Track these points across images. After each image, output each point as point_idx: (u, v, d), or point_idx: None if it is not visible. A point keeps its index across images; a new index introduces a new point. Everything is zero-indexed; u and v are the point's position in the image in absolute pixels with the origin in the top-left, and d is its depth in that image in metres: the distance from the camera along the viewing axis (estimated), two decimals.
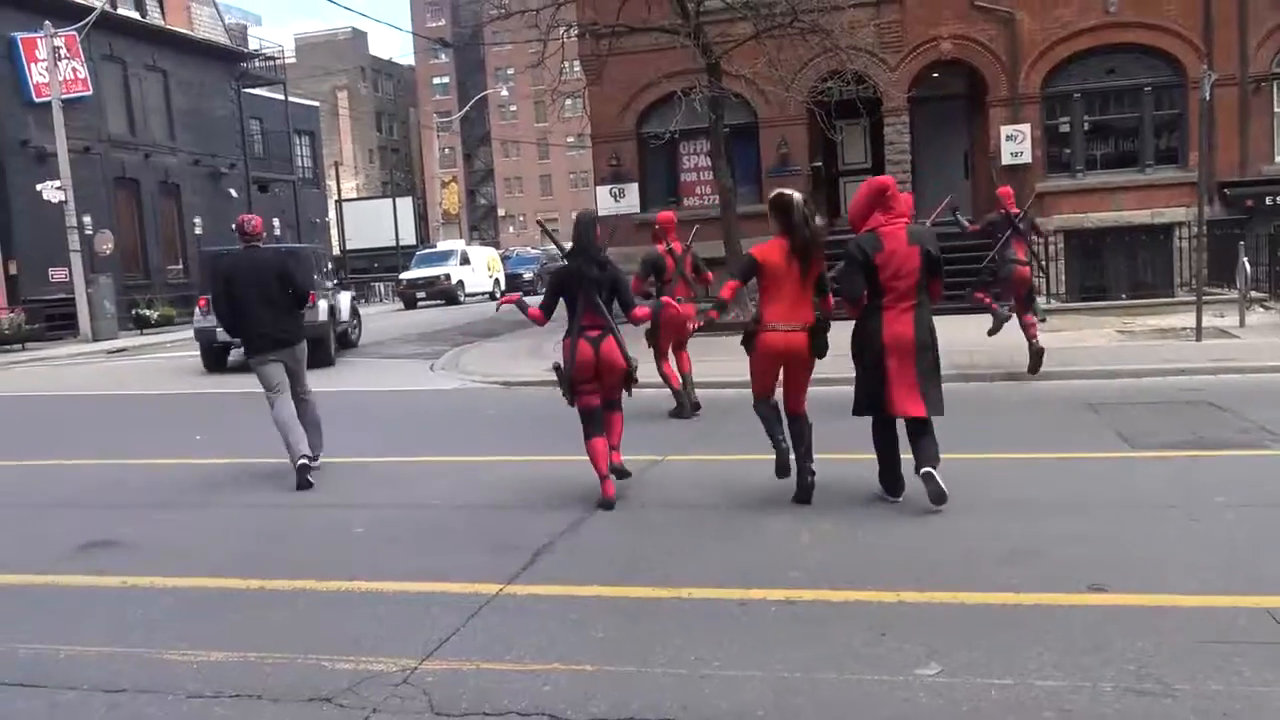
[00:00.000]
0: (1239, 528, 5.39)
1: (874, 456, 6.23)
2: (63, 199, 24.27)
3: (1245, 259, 13.92)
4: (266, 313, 7.76)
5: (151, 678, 4.08)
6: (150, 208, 31.47)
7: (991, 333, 11.19)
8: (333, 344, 17.09)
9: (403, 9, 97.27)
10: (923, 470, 5.90)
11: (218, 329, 12.35)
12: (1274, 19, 18.27)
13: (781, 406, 6.38)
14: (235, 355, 11.95)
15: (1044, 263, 17.32)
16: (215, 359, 16.40)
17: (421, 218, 60.94)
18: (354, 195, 66.67)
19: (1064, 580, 4.67)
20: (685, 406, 9.58)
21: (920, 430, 6.04)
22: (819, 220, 6.27)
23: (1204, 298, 12.94)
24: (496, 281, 37.53)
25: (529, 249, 54.65)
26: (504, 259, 42.59)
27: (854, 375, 6.25)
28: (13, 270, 26.30)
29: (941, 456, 5.95)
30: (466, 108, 67.53)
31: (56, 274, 26.18)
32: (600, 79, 20.64)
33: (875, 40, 18.70)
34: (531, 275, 39.29)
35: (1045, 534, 5.41)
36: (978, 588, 4.64)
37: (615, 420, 6.74)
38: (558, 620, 4.53)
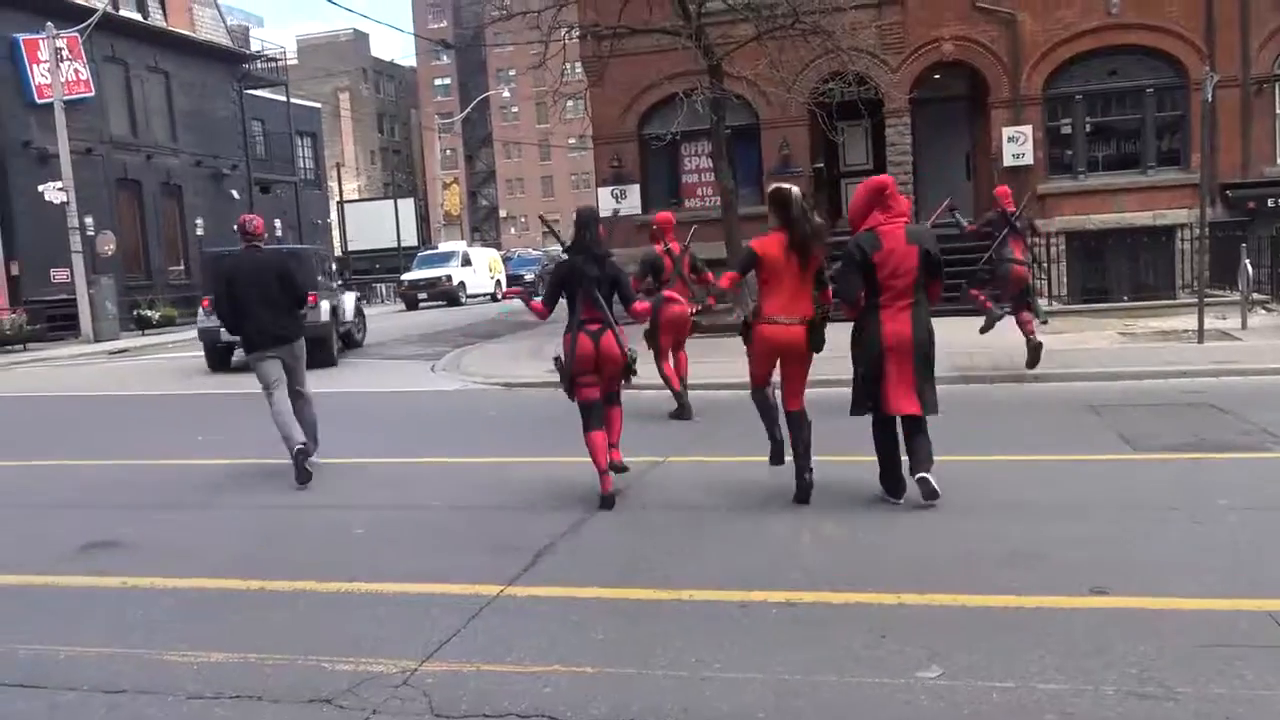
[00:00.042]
0: (1241, 530, 5.38)
1: (874, 458, 6.23)
2: (64, 200, 24.29)
3: (1247, 261, 13.90)
4: (266, 312, 7.87)
5: (151, 679, 4.07)
6: (152, 209, 31.48)
7: (983, 330, 11.21)
8: (335, 344, 17.20)
9: (404, 10, 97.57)
10: (918, 475, 5.99)
11: (221, 329, 12.40)
12: (1276, 20, 18.26)
13: (780, 405, 6.40)
14: (239, 356, 11.99)
15: (1044, 263, 17.37)
16: (219, 359, 16.43)
17: (423, 219, 61.04)
18: (356, 196, 66.74)
19: (1065, 583, 4.66)
20: (686, 408, 9.57)
21: (915, 428, 6.07)
22: (817, 215, 6.30)
23: (1206, 300, 12.92)
24: (498, 283, 37.55)
25: (530, 250, 54.72)
26: (505, 260, 42.59)
27: (853, 376, 6.26)
28: (14, 271, 26.30)
29: (943, 458, 5.97)
30: (468, 109, 67.55)
31: (58, 275, 26.19)
32: (602, 80, 20.64)
33: (877, 42, 18.70)
34: (532, 277, 39.29)
35: (1047, 536, 5.40)
36: (979, 590, 4.63)
37: (615, 416, 6.79)
38: (558, 622, 4.53)
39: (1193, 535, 5.37)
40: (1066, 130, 19.51)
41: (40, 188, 25.07)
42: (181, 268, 32.60)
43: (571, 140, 66.43)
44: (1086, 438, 7.93)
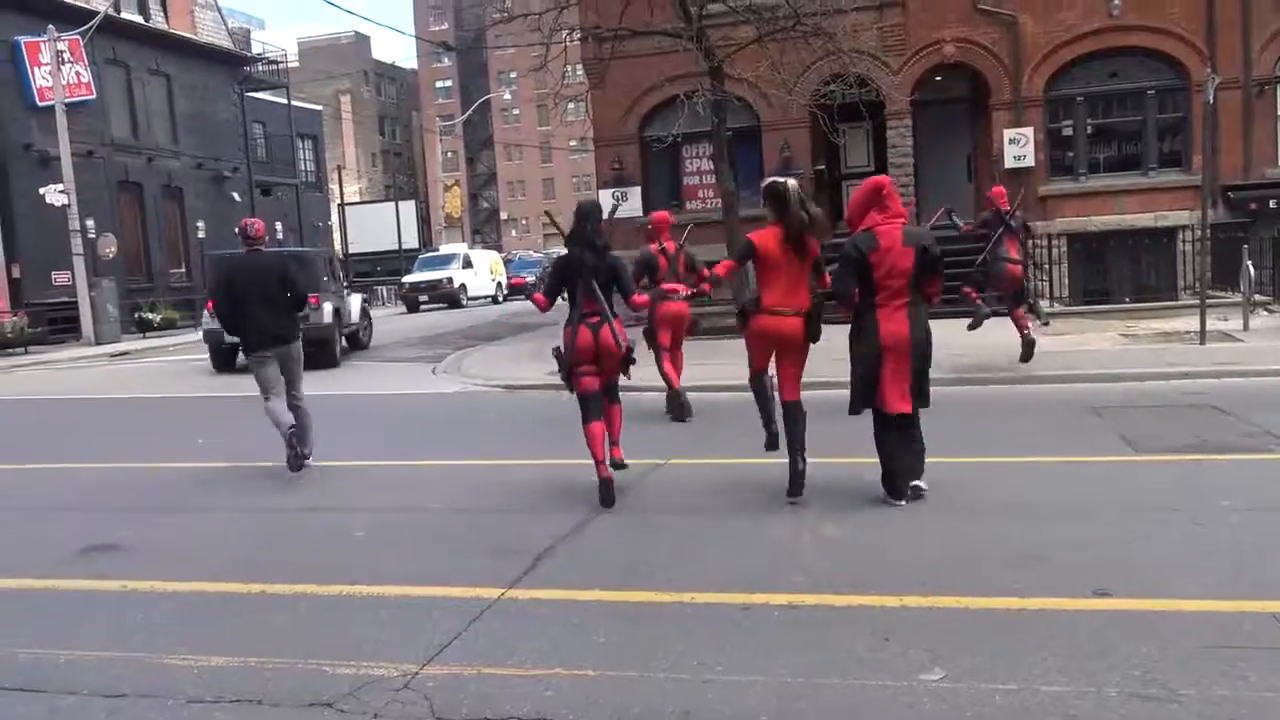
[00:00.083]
0: (1243, 532, 5.37)
1: (876, 459, 6.23)
2: (66, 203, 24.29)
3: (1249, 262, 13.89)
4: (266, 314, 8.04)
5: (152, 682, 4.06)
6: (153, 211, 31.49)
7: (971, 328, 11.36)
8: (338, 345, 17.34)
9: (405, 13, 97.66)
10: (911, 484, 6.11)
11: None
12: (1277, 22, 18.23)
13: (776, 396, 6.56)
14: (244, 358, 12.06)
15: (1044, 264, 17.38)
16: (224, 360, 16.45)
17: (424, 221, 61.09)
18: (357, 199, 66.79)
19: (1068, 584, 4.65)
20: (685, 407, 9.55)
21: (908, 424, 6.14)
22: (814, 206, 6.40)
23: (1207, 301, 12.92)
24: (499, 285, 37.59)
25: (531, 252, 54.74)
26: (506, 263, 42.65)
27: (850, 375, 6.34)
28: (15, 274, 26.30)
29: (945, 459, 6.03)
30: (469, 111, 67.54)
31: (59, 277, 26.19)
32: (603, 82, 20.62)
33: (878, 44, 18.69)
34: (533, 279, 39.31)
35: (1049, 538, 5.38)
36: (981, 592, 4.62)
37: (615, 414, 6.90)
38: (559, 625, 4.52)
39: (1195, 537, 5.36)
40: (1068, 132, 19.48)
41: (41, 190, 25.07)
42: (183, 270, 32.62)
43: (573, 142, 66.49)
44: (1088, 439, 7.92)
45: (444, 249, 43.61)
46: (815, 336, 6.34)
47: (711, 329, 14.20)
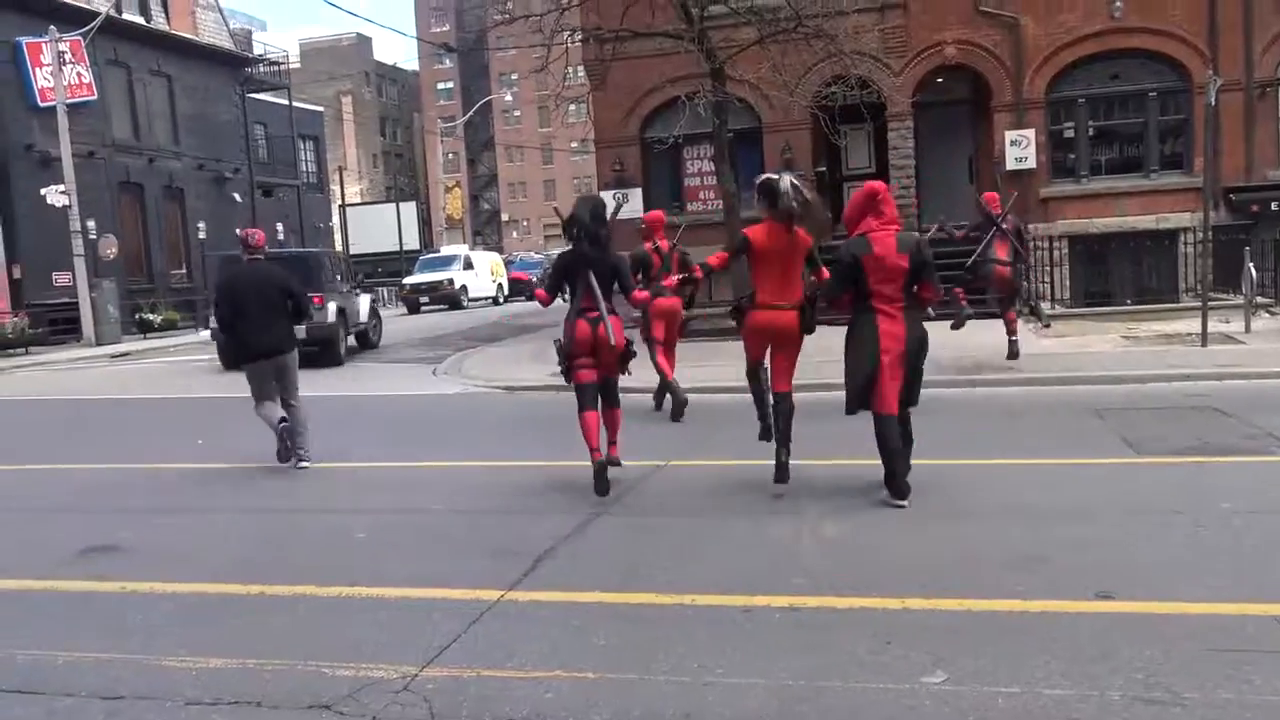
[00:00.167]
0: (1246, 534, 5.35)
1: (876, 460, 6.23)
2: (67, 203, 24.29)
3: (1251, 264, 13.89)
4: (263, 324, 8.29)
5: (150, 684, 4.05)
6: (154, 212, 31.48)
7: (954, 327, 11.60)
8: (343, 345, 17.46)
9: (407, 14, 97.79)
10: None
11: None
12: (1279, 24, 18.22)
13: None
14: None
15: (1046, 266, 17.37)
16: (232, 358, 16.47)
17: (425, 223, 61.12)
18: (358, 200, 66.82)
19: (1070, 587, 4.63)
20: (677, 397, 9.57)
21: (900, 420, 6.22)
22: (810, 194, 6.49)
23: (1209, 303, 12.90)
24: (500, 286, 37.57)
25: (532, 254, 54.72)
26: (507, 264, 42.61)
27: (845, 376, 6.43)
28: (16, 274, 26.28)
29: (946, 461, 6.04)
30: (470, 113, 67.63)
31: (60, 278, 26.18)
32: (604, 84, 20.61)
33: (879, 45, 18.68)
34: (535, 280, 39.33)
35: (1051, 540, 5.37)
36: (984, 594, 4.60)
37: (615, 417, 7.13)
38: (559, 627, 4.50)
39: (1197, 539, 5.35)
40: (1069, 134, 19.45)
41: (42, 191, 25.07)
42: (183, 271, 32.61)
43: (574, 144, 66.48)
44: (1090, 441, 7.91)
45: (445, 250, 43.62)
46: (810, 328, 6.52)
47: (711, 330, 14.19)
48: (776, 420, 6.56)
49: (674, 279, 9.40)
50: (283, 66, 41.68)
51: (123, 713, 3.82)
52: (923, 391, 6.58)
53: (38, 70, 26.48)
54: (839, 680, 3.78)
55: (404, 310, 34.02)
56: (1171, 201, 18.52)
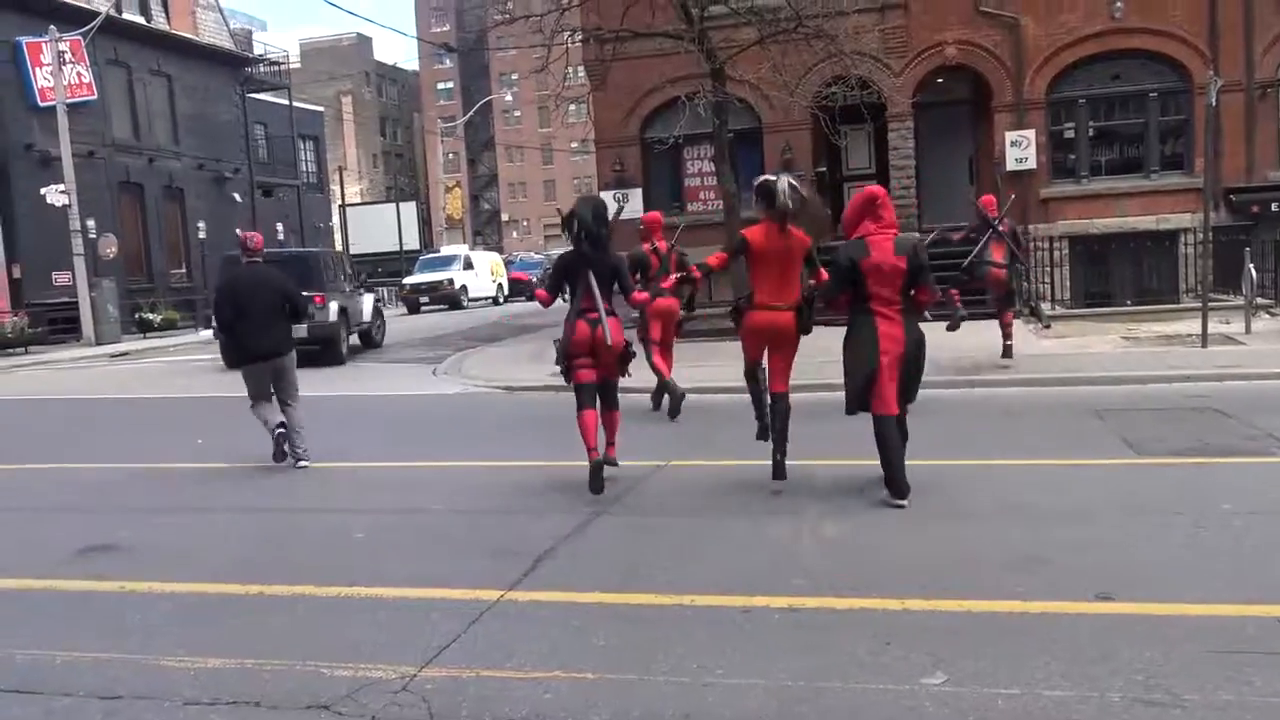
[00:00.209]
0: (1246, 535, 5.34)
1: (876, 460, 6.23)
2: (66, 203, 24.29)
3: (1251, 265, 13.88)
4: (261, 327, 8.37)
5: (148, 684, 4.04)
6: (154, 212, 31.49)
7: (949, 329, 11.64)
8: (344, 344, 17.54)
9: (407, 14, 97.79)
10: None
11: None
12: (1279, 25, 18.21)
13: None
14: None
15: (1045, 267, 17.37)
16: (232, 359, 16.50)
17: (425, 223, 61.12)
18: (358, 200, 66.82)
19: (1070, 588, 4.63)
20: (675, 393, 9.59)
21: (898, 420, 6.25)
22: (807, 193, 6.52)
23: (1210, 304, 12.89)
24: (500, 286, 37.58)
25: (533, 254, 54.72)
26: (508, 264, 42.61)
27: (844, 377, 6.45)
28: (16, 274, 26.31)
29: (946, 461, 6.07)
30: (470, 113, 67.61)
31: (60, 278, 26.19)
32: (604, 84, 20.60)
33: (880, 46, 18.67)
34: (535, 281, 39.32)
35: (1051, 541, 5.36)
36: (984, 595, 4.59)
37: (614, 418, 7.15)
38: (559, 627, 4.49)
39: (1197, 540, 5.34)
40: (1070, 134, 19.44)
41: (42, 190, 25.07)
42: (183, 271, 32.62)
43: (574, 144, 66.49)
44: (1090, 442, 7.90)
45: (445, 250, 43.62)
46: (807, 329, 6.57)
47: (709, 330, 14.19)
48: (773, 420, 6.60)
49: (672, 279, 9.41)
50: (283, 66, 41.68)
51: (121, 712, 3.82)
52: (921, 392, 6.60)
53: (38, 70, 26.49)
54: (838, 681, 3.78)
55: (404, 310, 34.02)
56: (1172, 202, 18.52)
